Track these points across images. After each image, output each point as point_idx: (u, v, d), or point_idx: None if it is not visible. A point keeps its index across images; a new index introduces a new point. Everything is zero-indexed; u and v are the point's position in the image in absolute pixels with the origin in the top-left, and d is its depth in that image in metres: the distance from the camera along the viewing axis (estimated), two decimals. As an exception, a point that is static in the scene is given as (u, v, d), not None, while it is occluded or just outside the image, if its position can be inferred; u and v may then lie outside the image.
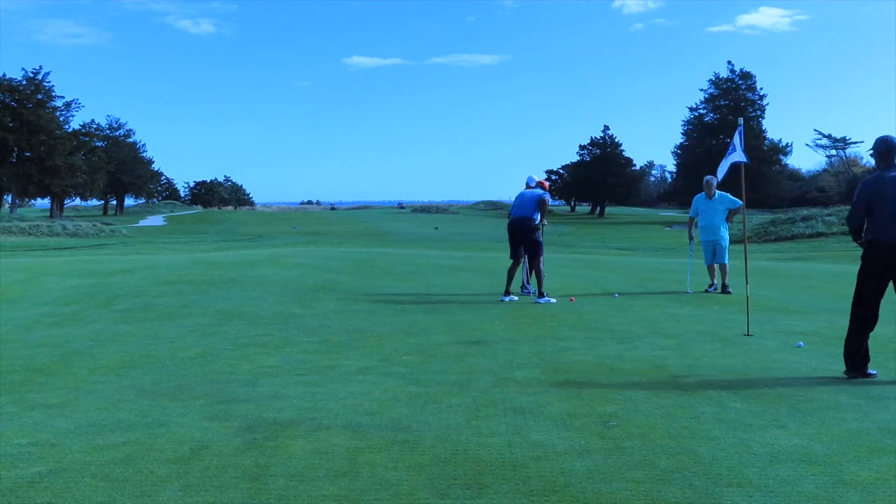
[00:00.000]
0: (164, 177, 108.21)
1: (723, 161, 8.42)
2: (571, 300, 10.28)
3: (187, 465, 3.72)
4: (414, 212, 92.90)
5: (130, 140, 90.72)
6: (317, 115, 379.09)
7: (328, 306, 9.63)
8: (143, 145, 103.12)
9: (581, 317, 8.73)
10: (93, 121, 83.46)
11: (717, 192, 11.39)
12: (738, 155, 8.15)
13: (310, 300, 10.16)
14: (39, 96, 64.75)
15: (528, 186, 11.08)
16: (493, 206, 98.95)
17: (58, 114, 66.94)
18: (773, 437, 4.10)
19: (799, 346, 6.79)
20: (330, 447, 3.98)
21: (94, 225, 50.60)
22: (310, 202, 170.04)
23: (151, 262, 16.16)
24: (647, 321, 8.40)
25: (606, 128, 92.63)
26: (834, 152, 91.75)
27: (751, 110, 78.25)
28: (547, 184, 11.20)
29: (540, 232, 10.96)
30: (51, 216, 64.70)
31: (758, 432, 4.20)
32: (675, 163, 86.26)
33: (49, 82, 65.25)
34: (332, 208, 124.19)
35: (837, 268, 17.36)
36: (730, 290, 11.10)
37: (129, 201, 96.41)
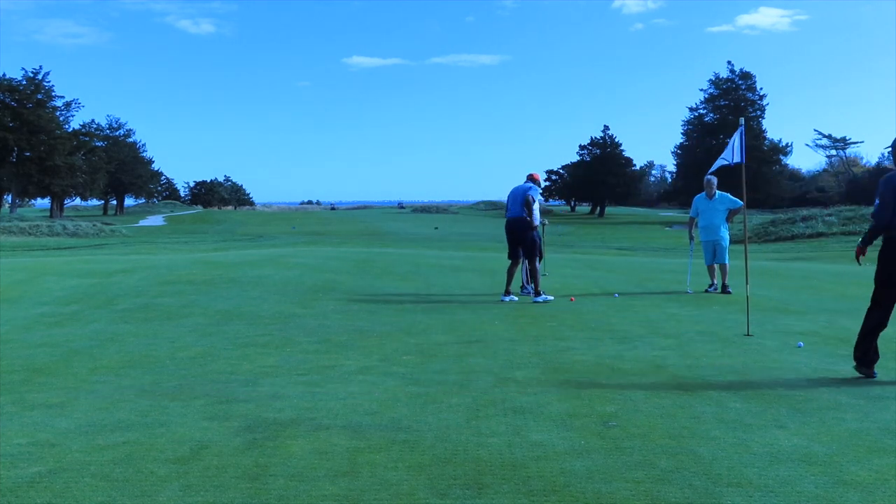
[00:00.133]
0: (164, 177, 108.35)
1: (724, 155, 8.44)
2: (571, 300, 10.29)
3: (187, 465, 3.72)
4: (414, 212, 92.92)
5: (130, 140, 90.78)
6: (317, 115, 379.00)
7: (328, 306, 9.63)
8: (143, 145, 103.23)
9: (581, 317, 8.73)
10: (93, 121, 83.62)
11: (717, 192, 11.39)
12: (734, 155, 8.17)
13: (310, 300, 10.16)
14: (39, 96, 64.79)
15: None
16: (493, 206, 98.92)
17: (58, 114, 66.99)
18: (773, 437, 4.10)
19: (799, 346, 6.79)
20: (330, 447, 3.98)
21: (94, 225, 50.61)
22: (310, 202, 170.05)
23: (151, 262, 16.16)
24: (647, 321, 8.40)
25: (606, 128, 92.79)
26: (834, 152, 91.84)
27: (751, 110, 78.30)
28: (538, 175, 10.94)
29: (539, 231, 10.95)
30: (51, 216, 64.72)
31: (758, 432, 4.20)
32: (675, 163, 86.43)
33: (49, 82, 65.36)
34: (332, 208, 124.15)
35: (837, 268, 17.37)
36: (730, 290, 11.10)
37: (129, 201, 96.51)
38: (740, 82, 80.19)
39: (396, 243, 31.76)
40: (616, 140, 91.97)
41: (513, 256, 10.65)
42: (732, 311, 9.17)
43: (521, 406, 4.78)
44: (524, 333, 7.64)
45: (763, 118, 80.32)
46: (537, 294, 10.31)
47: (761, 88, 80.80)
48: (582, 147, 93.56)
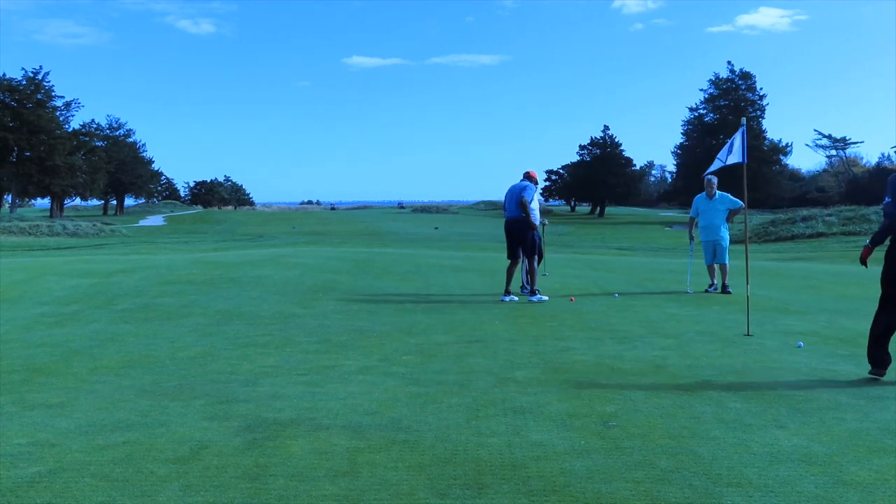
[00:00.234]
0: (164, 177, 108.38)
1: (719, 155, 8.44)
2: (571, 300, 10.29)
3: (187, 465, 3.72)
4: (414, 212, 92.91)
5: (130, 140, 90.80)
6: (317, 115, 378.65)
7: (328, 306, 9.63)
8: (143, 145, 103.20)
9: (581, 317, 8.73)
10: (93, 121, 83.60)
11: (717, 192, 11.39)
12: (734, 155, 8.16)
13: (310, 300, 10.16)
14: (39, 96, 64.79)
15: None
16: (493, 206, 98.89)
17: (58, 114, 66.99)
18: (773, 437, 4.10)
19: (799, 346, 6.79)
20: (330, 447, 3.98)
21: (94, 225, 50.60)
22: (310, 202, 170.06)
23: (151, 262, 16.16)
24: (647, 321, 8.40)
25: (606, 128, 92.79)
26: (834, 152, 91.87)
27: (751, 110, 78.27)
28: (534, 173, 10.84)
29: (539, 231, 10.95)
30: (51, 216, 64.72)
31: (758, 432, 4.20)
32: (675, 163, 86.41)
33: (49, 82, 65.35)
34: (332, 208, 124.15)
35: (837, 268, 17.37)
36: (730, 290, 11.10)
37: (129, 201, 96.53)
38: (740, 82, 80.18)
39: (396, 243, 31.76)
40: (616, 140, 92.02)
41: (512, 256, 10.64)
42: (732, 311, 9.17)
43: (521, 406, 4.78)
44: (524, 333, 7.64)
45: (763, 118, 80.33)
46: (532, 293, 10.31)
47: (761, 88, 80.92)
48: (582, 147, 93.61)
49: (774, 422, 4.41)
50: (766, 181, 73.91)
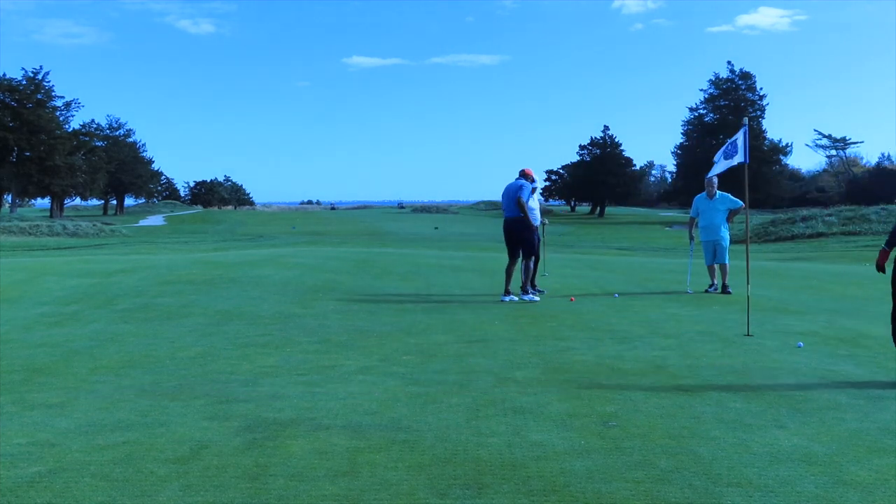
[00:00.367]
0: (164, 177, 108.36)
1: (719, 154, 8.43)
2: (571, 300, 10.29)
3: (187, 465, 3.72)
4: (414, 212, 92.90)
5: (130, 140, 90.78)
6: (316, 115, 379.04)
7: (328, 306, 9.63)
8: (143, 145, 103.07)
9: (581, 317, 8.73)
10: (93, 121, 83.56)
11: (717, 192, 11.39)
12: (738, 156, 8.17)
13: (310, 300, 10.16)
14: (39, 96, 64.80)
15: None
16: (493, 206, 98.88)
17: (58, 114, 66.99)
18: (773, 437, 4.10)
19: (799, 347, 6.79)
20: (330, 447, 3.98)
21: (94, 225, 50.61)
22: (310, 202, 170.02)
23: (151, 262, 16.16)
24: (647, 321, 8.40)
25: (606, 128, 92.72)
26: (834, 152, 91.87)
27: (751, 110, 78.25)
28: (530, 171, 10.74)
29: (540, 231, 10.94)
30: (51, 216, 64.72)
31: (758, 432, 4.20)
32: (675, 163, 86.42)
33: (49, 82, 65.37)
34: (332, 208, 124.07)
35: (837, 268, 17.37)
36: (730, 290, 11.10)
37: (129, 201, 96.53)
38: (740, 82, 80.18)
39: (396, 243, 31.77)
40: (616, 140, 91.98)
41: (512, 256, 10.63)
42: (732, 311, 9.17)
43: (521, 406, 4.78)
44: (524, 333, 7.64)
45: (763, 118, 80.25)
46: (525, 292, 10.28)
47: (761, 88, 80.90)
48: (582, 147, 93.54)
49: (774, 422, 4.41)
50: (766, 181, 73.89)
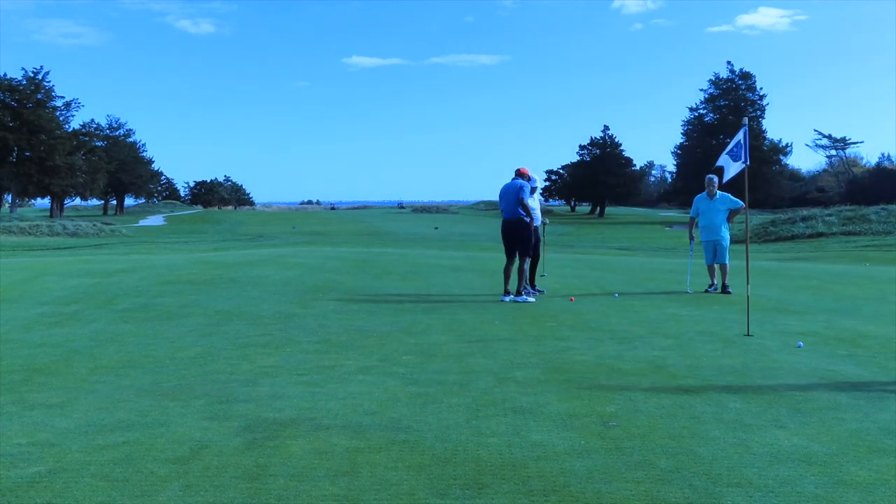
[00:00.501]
0: (164, 177, 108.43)
1: (724, 157, 8.42)
2: (571, 300, 10.28)
3: (187, 465, 3.72)
4: (414, 212, 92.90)
5: (130, 140, 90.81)
6: (316, 115, 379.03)
7: (328, 306, 9.63)
8: (143, 145, 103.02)
9: (581, 317, 8.73)
10: (93, 121, 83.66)
11: (718, 192, 11.39)
12: (743, 156, 8.17)
13: (310, 300, 10.16)
14: (39, 96, 64.87)
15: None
16: (492, 206, 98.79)
17: (58, 114, 67.06)
18: (773, 437, 4.10)
19: (799, 347, 6.79)
20: (330, 447, 3.98)
21: (94, 225, 50.61)
22: (310, 202, 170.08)
23: (151, 262, 16.17)
24: (647, 321, 8.40)
25: (606, 128, 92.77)
26: (834, 152, 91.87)
27: (751, 110, 78.28)
28: (526, 170, 10.63)
29: (540, 231, 10.93)
30: (51, 216, 64.72)
31: (758, 432, 4.20)
32: (675, 163, 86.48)
33: (49, 82, 65.47)
34: (332, 208, 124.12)
35: (837, 268, 17.36)
36: (730, 290, 11.10)
37: (129, 201, 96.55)
38: (740, 82, 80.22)
39: (396, 243, 31.77)
40: (616, 140, 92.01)
41: (509, 257, 10.59)
42: (732, 311, 9.17)
43: (521, 406, 4.78)
44: (524, 333, 7.64)
45: (763, 118, 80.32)
46: (518, 293, 10.26)
47: (761, 88, 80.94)
48: (582, 147, 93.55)
49: (774, 422, 4.41)
50: (766, 181, 73.91)
